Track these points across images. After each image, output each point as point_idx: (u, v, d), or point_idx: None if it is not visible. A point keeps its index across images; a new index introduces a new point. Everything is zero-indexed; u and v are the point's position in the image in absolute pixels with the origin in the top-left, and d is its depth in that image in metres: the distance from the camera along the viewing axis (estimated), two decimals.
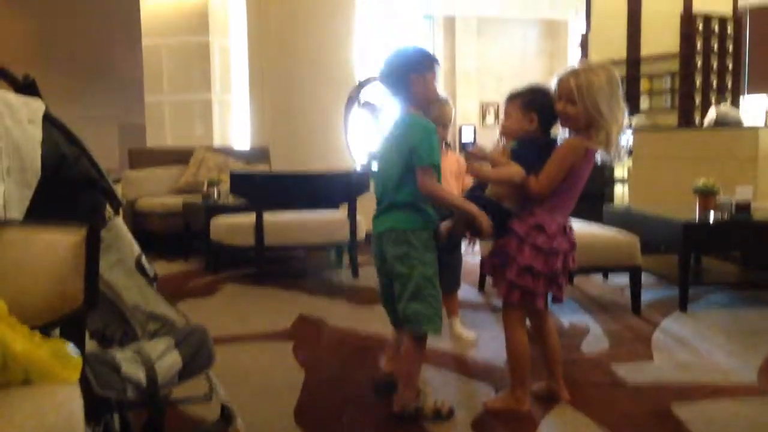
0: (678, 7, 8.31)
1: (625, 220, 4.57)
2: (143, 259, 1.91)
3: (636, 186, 6.18)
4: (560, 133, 2.57)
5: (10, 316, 1.35)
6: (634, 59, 8.74)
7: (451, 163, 3.52)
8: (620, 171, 6.64)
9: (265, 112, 7.51)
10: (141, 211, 6.44)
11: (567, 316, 3.98)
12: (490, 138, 13.75)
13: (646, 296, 4.22)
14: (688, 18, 8.23)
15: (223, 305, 4.52)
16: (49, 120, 1.71)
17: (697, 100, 8.25)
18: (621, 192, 6.85)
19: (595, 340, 3.54)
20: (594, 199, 5.17)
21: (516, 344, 2.59)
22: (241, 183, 5.30)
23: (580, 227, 3.24)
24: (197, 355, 1.80)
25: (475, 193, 2.62)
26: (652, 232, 4.36)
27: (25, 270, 1.46)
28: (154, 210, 6.38)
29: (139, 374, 1.64)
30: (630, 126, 2.51)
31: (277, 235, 5.06)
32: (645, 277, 4.25)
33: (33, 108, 1.69)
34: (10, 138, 1.62)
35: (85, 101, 8.03)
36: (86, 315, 1.47)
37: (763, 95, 9.63)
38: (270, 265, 5.55)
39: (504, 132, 2.60)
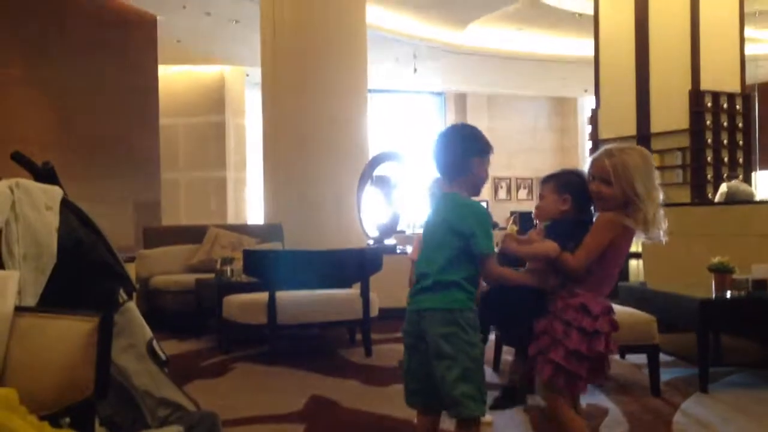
0: (687, 84, 8.43)
1: (641, 297, 4.53)
2: (155, 343, 1.91)
3: (650, 262, 6.14)
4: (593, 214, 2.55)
5: (20, 405, 1.34)
6: (644, 135, 8.81)
7: None
8: (633, 246, 6.60)
9: (279, 189, 7.61)
10: (154, 289, 6.45)
11: (585, 398, 3.88)
12: (502, 214, 13.79)
13: (664, 376, 4.14)
14: (696, 94, 8.34)
15: (234, 386, 4.46)
16: (67, 206, 1.74)
17: (709, 175, 8.28)
18: (636, 266, 6.80)
19: (615, 422, 3.45)
20: None
21: (577, 429, 2.49)
22: (254, 261, 5.30)
23: None
24: None
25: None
26: (668, 310, 4.31)
27: (38, 358, 1.45)
28: (168, 288, 6.38)
29: None
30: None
31: (290, 313, 5.04)
32: (662, 356, 4.17)
33: (51, 195, 1.73)
34: (27, 224, 1.64)
35: (101, 179, 8.16)
36: (96, 404, 1.45)
37: None
38: (283, 344, 5.50)
39: (538, 214, 2.60)
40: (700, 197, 8.18)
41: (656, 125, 8.78)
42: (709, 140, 8.41)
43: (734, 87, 8.60)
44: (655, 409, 3.67)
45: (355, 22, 7.74)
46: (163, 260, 6.83)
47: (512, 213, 11.48)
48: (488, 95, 16.85)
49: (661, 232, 2.46)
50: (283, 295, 5.04)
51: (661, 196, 2.46)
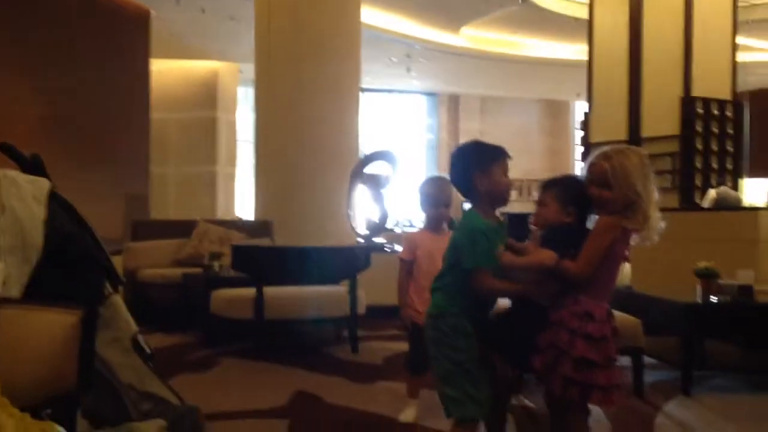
0: (678, 90, 8.47)
1: (627, 301, 4.54)
2: (139, 336, 1.91)
3: (637, 266, 6.16)
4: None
5: (2, 396, 1.34)
6: (635, 140, 8.84)
7: None
8: None
9: (269, 185, 7.60)
10: (141, 282, 6.44)
11: None
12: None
13: (648, 378, 4.16)
14: (687, 101, 8.38)
15: (219, 380, 4.46)
16: (55, 198, 1.74)
17: (698, 181, 8.32)
18: (622, 269, 6.82)
19: (597, 423, 3.47)
20: None
21: None
22: (242, 257, 5.30)
23: None
24: None
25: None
26: (653, 314, 4.34)
27: (21, 349, 1.45)
28: (155, 281, 6.37)
29: None
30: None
31: (278, 308, 5.04)
32: (646, 359, 4.20)
33: (39, 186, 1.72)
34: (14, 216, 1.64)
35: (90, 172, 8.11)
36: (79, 397, 1.45)
37: (765, 179, 9.69)
38: (269, 339, 5.50)
39: (537, 221, 2.53)
40: (688, 203, 8.22)
41: (647, 130, 8.80)
42: (699, 146, 8.44)
43: (725, 94, 8.63)
44: (638, 411, 3.70)
45: (349, 21, 7.74)
46: (151, 253, 6.81)
47: (502, 215, 11.46)
48: (481, 97, 16.87)
49: (656, 233, 2.44)
50: (271, 291, 5.05)
51: (656, 196, 2.44)
